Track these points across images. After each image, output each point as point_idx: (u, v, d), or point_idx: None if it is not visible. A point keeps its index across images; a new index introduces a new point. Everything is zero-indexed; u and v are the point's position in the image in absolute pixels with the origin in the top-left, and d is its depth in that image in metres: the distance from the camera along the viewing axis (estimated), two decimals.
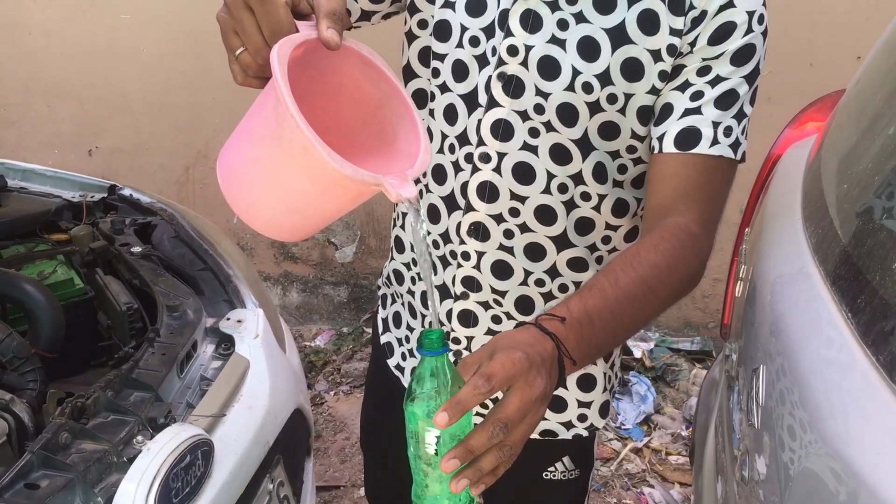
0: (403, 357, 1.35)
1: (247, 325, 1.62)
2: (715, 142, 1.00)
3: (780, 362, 0.78)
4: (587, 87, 1.03)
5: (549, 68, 1.03)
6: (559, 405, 1.24)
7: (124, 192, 2.01)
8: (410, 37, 1.14)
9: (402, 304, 1.32)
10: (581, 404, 1.24)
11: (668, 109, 1.02)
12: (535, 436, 1.22)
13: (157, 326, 1.50)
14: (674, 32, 1.00)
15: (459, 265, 1.18)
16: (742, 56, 1.01)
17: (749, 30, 1.01)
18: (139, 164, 3.25)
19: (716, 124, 1.00)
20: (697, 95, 1.01)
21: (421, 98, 1.16)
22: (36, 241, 1.81)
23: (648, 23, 1.00)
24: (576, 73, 1.02)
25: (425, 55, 1.13)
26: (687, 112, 1.01)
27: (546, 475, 1.28)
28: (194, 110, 3.18)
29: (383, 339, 1.39)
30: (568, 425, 1.25)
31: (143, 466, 1.16)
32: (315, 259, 3.30)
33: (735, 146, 1.01)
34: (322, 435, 2.64)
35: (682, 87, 1.01)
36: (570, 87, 1.03)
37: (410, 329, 1.32)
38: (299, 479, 1.72)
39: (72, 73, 3.21)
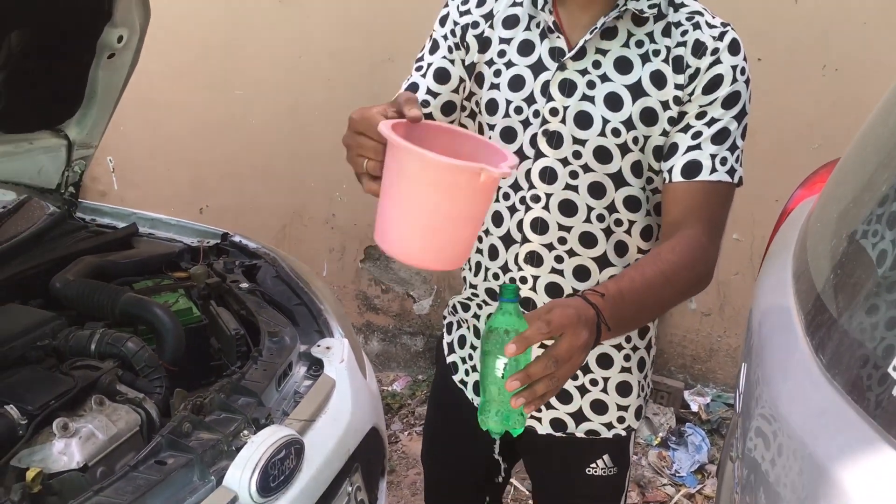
0: (466, 373, 1.57)
1: (334, 351, 1.83)
2: (713, 170, 1.26)
3: (756, 359, 0.98)
4: (616, 133, 1.29)
5: (583, 120, 1.30)
6: (601, 408, 1.45)
7: (234, 239, 2.29)
8: (473, 116, 1.41)
9: (468, 328, 1.55)
10: (619, 408, 1.46)
11: (674, 147, 1.29)
12: (580, 434, 1.45)
13: (260, 348, 1.73)
14: (677, 87, 1.27)
15: (519, 287, 1.40)
16: (730, 101, 1.27)
17: (734, 80, 1.27)
18: (243, 221, 3.59)
19: (713, 156, 1.26)
20: (697, 135, 1.27)
21: None
22: (161, 278, 2.07)
23: (658, 80, 1.28)
24: (605, 121, 1.29)
25: (480, 130, 1.40)
26: (689, 148, 1.27)
27: (588, 471, 1.49)
28: (293, 175, 3.51)
29: (449, 359, 1.61)
30: (609, 426, 1.46)
31: (248, 455, 1.35)
32: (395, 310, 3.56)
33: (731, 172, 1.26)
34: (395, 470, 2.86)
35: (685, 129, 1.28)
36: (602, 133, 1.29)
37: (473, 348, 1.54)
38: (374, 494, 1.91)
39: (189, 141, 3.61)
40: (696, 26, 1.29)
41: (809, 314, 0.96)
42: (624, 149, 1.30)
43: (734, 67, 1.27)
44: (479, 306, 1.51)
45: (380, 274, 3.54)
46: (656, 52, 1.29)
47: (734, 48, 1.28)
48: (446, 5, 1.44)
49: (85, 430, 1.37)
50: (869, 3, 2.66)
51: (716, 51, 1.27)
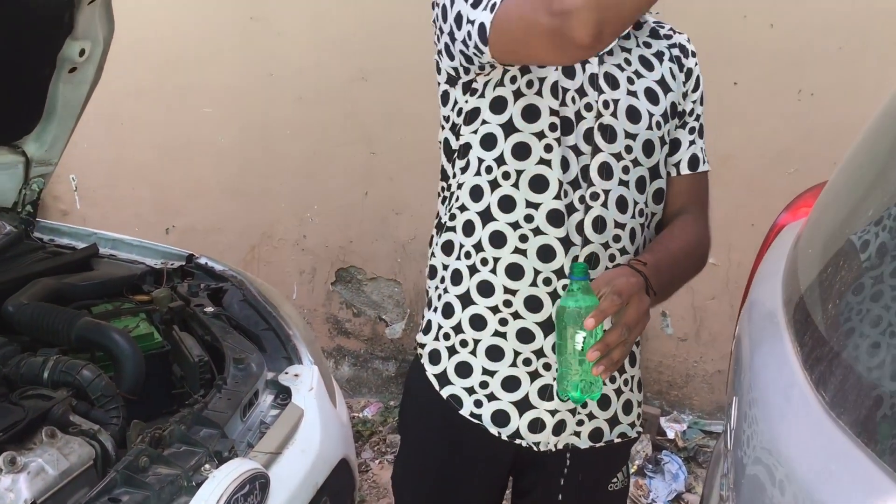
0: (478, 404, 1.37)
1: (303, 379, 1.79)
2: (704, 162, 1.44)
3: (749, 396, 0.93)
4: (658, 125, 1.36)
5: (633, 115, 1.33)
6: (629, 408, 1.41)
7: (200, 261, 2.23)
8: (517, 94, 1.30)
9: (474, 353, 1.36)
10: (638, 404, 1.45)
11: (677, 143, 1.41)
12: (616, 440, 1.42)
13: (224, 376, 1.67)
14: (683, 83, 1.41)
15: None
16: (703, 97, 1.45)
17: (701, 79, 1.45)
18: (210, 242, 3.51)
19: (702, 149, 1.44)
20: (692, 131, 1.42)
21: (524, 151, 1.30)
22: (122, 301, 2.01)
23: (673, 77, 1.39)
24: (650, 115, 1.35)
25: (532, 112, 1.29)
26: (690, 143, 1.41)
27: (610, 487, 1.46)
28: (262, 194, 3.45)
29: (446, 392, 1.40)
30: (633, 425, 1.44)
31: (209, 491, 1.31)
32: (366, 335, 3.49)
33: (707, 162, 1.45)
34: (366, 500, 2.78)
35: (683, 126, 1.41)
36: (650, 127, 1.34)
37: (490, 373, 1.36)
38: None
39: (155, 159, 3.53)
40: (672, 31, 1.44)
41: (807, 347, 0.91)
42: (661, 141, 1.37)
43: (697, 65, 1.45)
44: (507, 319, 1.34)
45: (351, 297, 3.47)
46: (660, 54, 1.39)
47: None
48: None
49: (34, 465, 1.30)
50: (845, 28, 2.67)
51: (694, 53, 1.43)
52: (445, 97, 1.39)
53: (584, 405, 1.36)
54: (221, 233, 3.53)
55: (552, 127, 1.29)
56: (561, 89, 1.29)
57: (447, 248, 1.41)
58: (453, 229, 1.39)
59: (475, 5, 1.18)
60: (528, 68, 1.29)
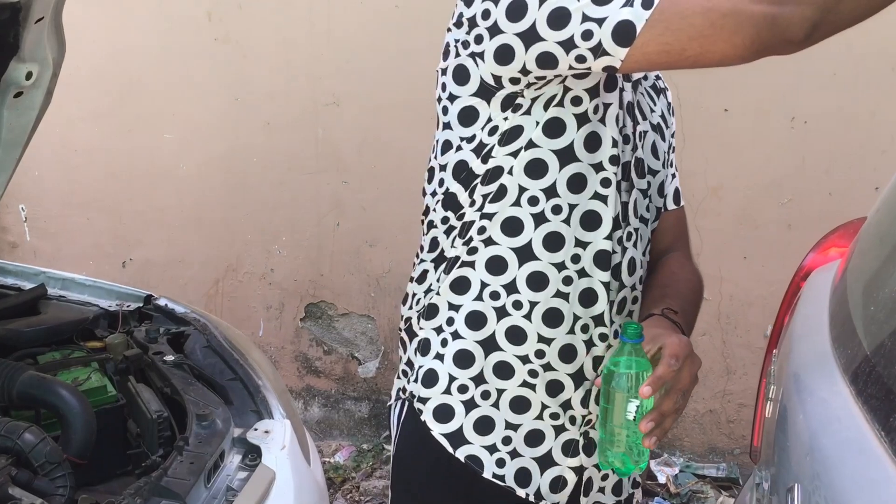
0: (501, 463, 1.23)
1: (274, 436, 1.64)
2: (682, 194, 1.39)
3: (815, 483, 0.79)
4: (669, 163, 1.32)
5: (655, 149, 1.27)
6: None
7: (160, 302, 2.07)
8: (582, 119, 1.15)
9: (497, 405, 1.22)
10: None
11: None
12: (631, 489, 1.34)
13: (186, 435, 1.52)
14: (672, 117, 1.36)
15: (609, 345, 1.21)
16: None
17: None
18: (171, 275, 3.33)
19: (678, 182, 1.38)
20: (671, 164, 1.36)
21: (580, 183, 1.16)
22: (72, 349, 1.87)
23: (670, 112, 1.35)
24: (663, 151, 1.30)
25: (594, 141, 1.16)
26: (672, 177, 1.36)
27: None
28: (227, 225, 3.27)
29: (462, 452, 1.23)
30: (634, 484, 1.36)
31: None
32: (338, 374, 3.32)
33: None
34: None
35: (665, 161, 1.33)
36: (665, 164, 1.30)
37: (514, 427, 1.22)
38: None
39: (112, 187, 3.34)
40: None
41: (882, 413, 0.76)
42: (668, 180, 1.33)
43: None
44: (538, 371, 1.20)
45: (322, 333, 3.29)
46: (655, 87, 1.33)
47: None
48: None
49: None
50: (837, 55, 2.59)
51: (667, 88, 1.38)
52: (469, 115, 1.17)
53: None
54: (183, 266, 3.34)
55: (613, 160, 1.16)
56: (619, 119, 1.17)
57: (460, 286, 1.22)
58: (471, 265, 1.20)
59: (600, 2, 1.02)
60: (598, 91, 1.14)
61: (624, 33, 1.01)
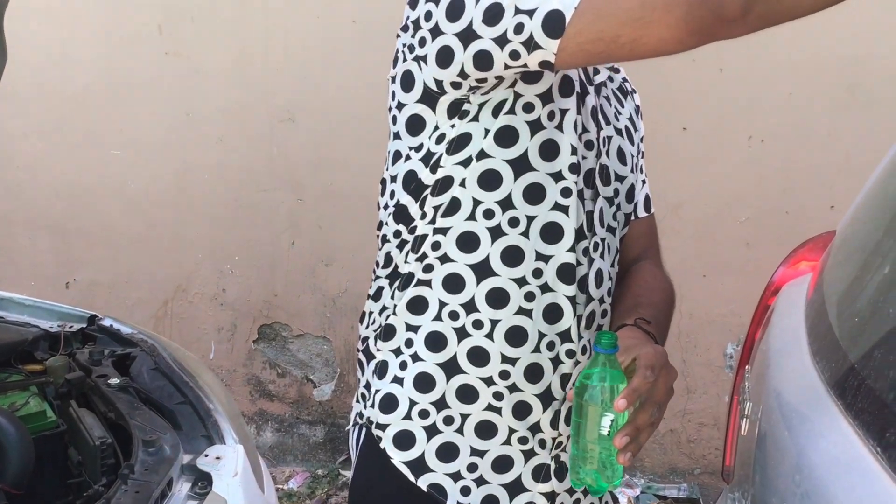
0: (466, 491, 1.17)
1: (225, 462, 1.56)
2: (652, 201, 1.35)
3: (806, 502, 0.75)
4: (637, 168, 1.27)
5: (622, 155, 1.22)
6: None
7: (104, 323, 1.98)
8: (536, 126, 1.10)
9: (461, 431, 1.16)
10: None
11: (634, 184, 1.29)
12: None
13: (131, 462, 1.44)
14: (640, 122, 1.32)
15: (577, 362, 1.16)
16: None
17: None
18: (117, 297, 3.21)
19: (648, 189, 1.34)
20: (641, 170, 1.33)
21: (538, 194, 1.11)
22: (9, 372, 1.76)
23: (636, 113, 1.31)
24: (631, 156, 1.25)
25: (551, 149, 1.11)
26: (642, 184, 1.33)
27: None
28: (176, 244, 3.17)
29: (424, 481, 1.17)
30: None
31: None
32: (292, 397, 3.22)
33: None
34: None
35: (634, 167, 1.29)
36: (633, 169, 1.25)
37: (480, 454, 1.16)
38: None
39: (56, 205, 3.22)
40: (617, 65, 1.32)
41: (876, 428, 0.73)
42: (639, 186, 1.29)
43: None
44: (503, 393, 1.15)
45: (275, 356, 3.20)
46: (622, 89, 1.30)
47: None
48: None
49: None
50: (794, 74, 2.61)
51: (635, 90, 1.35)
52: (416, 123, 1.13)
53: None
54: (130, 287, 3.22)
55: (573, 168, 1.11)
56: (577, 125, 1.11)
57: (417, 305, 1.16)
58: (428, 284, 1.14)
59: None
60: (551, 96, 1.09)
61: (554, 23, 0.96)
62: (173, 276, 3.21)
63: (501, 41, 1.00)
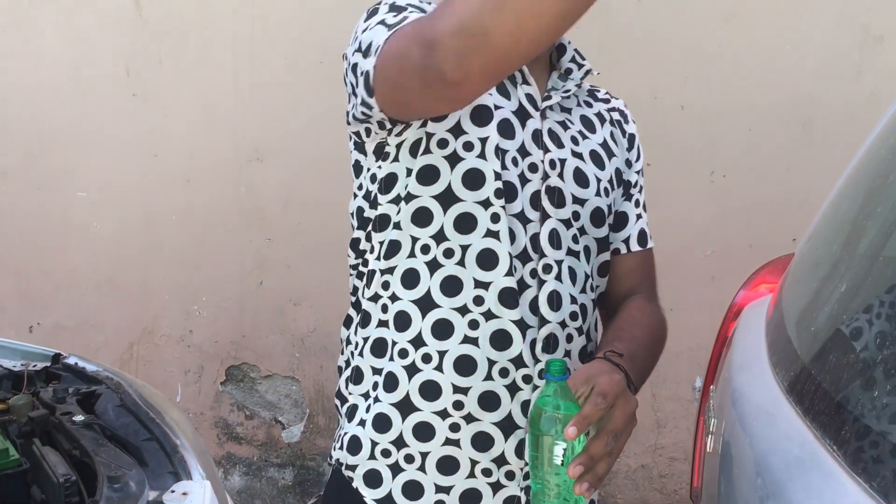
0: None
1: (192, 498, 1.52)
2: (650, 236, 1.34)
3: (769, 501, 0.76)
4: (606, 192, 1.24)
5: (580, 178, 1.21)
6: None
7: (69, 361, 1.95)
8: (454, 159, 1.13)
9: (423, 468, 1.17)
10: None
11: (625, 217, 1.30)
12: None
13: (95, 499, 1.41)
14: (626, 150, 1.31)
15: (536, 387, 1.14)
16: (642, 166, 1.35)
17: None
18: (81, 340, 3.16)
19: (647, 223, 1.35)
20: (637, 203, 1.32)
21: (468, 223, 1.13)
22: None
23: (615, 141, 1.29)
24: (597, 179, 1.23)
25: (475, 178, 1.13)
26: (637, 217, 1.31)
27: None
28: (143, 286, 3.14)
29: None
30: None
31: None
32: (260, 439, 3.18)
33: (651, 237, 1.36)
34: None
35: (629, 198, 1.30)
36: (598, 193, 1.23)
37: (446, 490, 1.17)
38: None
39: (20, 247, 3.18)
40: (608, 95, 1.35)
41: (830, 425, 0.74)
42: (609, 210, 1.26)
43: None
44: (459, 424, 1.15)
45: (243, 397, 3.16)
46: (601, 116, 1.30)
47: None
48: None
49: None
50: (753, 110, 2.69)
51: (632, 120, 1.34)
52: (357, 167, 1.23)
53: None
54: (95, 330, 3.18)
55: (498, 193, 1.12)
56: (500, 150, 1.13)
57: (378, 347, 1.19)
58: (385, 324, 1.17)
59: (366, 53, 1.03)
60: (462, 129, 1.12)
61: (367, 83, 1.03)
62: (139, 318, 3.17)
63: (360, 99, 1.08)
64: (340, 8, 2.82)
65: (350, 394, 1.24)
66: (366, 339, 1.20)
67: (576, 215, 1.19)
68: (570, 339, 1.19)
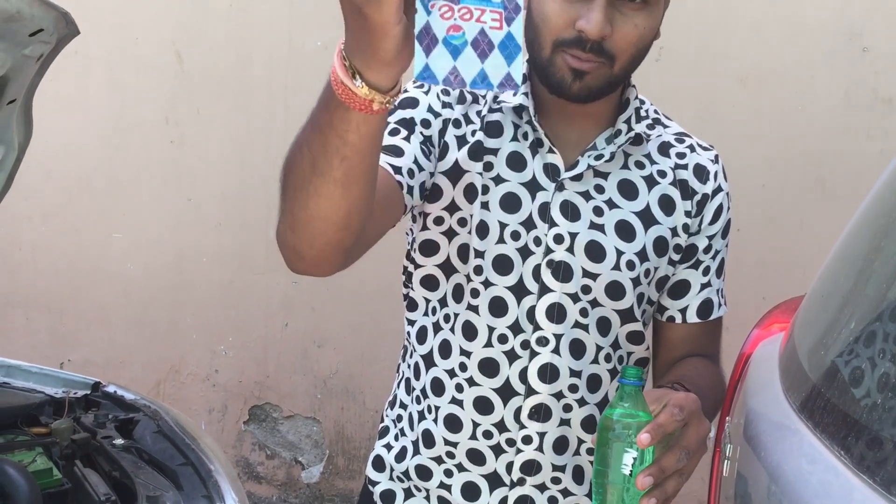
0: None
1: None
2: (720, 306, 1.28)
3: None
4: (630, 265, 1.17)
5: (595, 251, 1.16)
6: None
7: (108, 389, 2.03)
8: (450, 234, 1.18)
9: (427, 499, 1.26)
10: None
11: (685, 285, 1.24)
12: None
13: None
14: (686, 213, 1.20)
15: (519, 451, 1.19)
16: (726, 230, 1.26)
17: (728, 207, 1.26)
18: (110, 377, 3.17)
19: (718, 291, 1.27)
20: (706, 271, 1.24)
21: (459, 294, 1.19)
22: (16, 433, 1.79)
23: (667, 205, 1.20)
24: (619, 253, 1.17)
25: (464, 252, 1.18)
26: (702, 286, 1.24)
27: None
28: (172, 325, 3.23)
29: None
30: None
31: None
32: (280, 479, 3.22)
33: (725, 301, 1.30)
34: None
35: (696, 265, 1.23)
36: (617, 267, 1.17)
37: None
38: None
39: (55, 286, 3.29)
40: (691, 148, 1.24)
41: (838, 434, 0.82)
42: (636, 282, 1.18)
43: (728, 194, 1.26)
44: (452, 471, 1.23)
45: (265, 437, 3.22)
46: (662, 174, 1.21)
47: (726, 173, 1.26)
48: (407, 91, 1.19)
49: None
50: (767, 167, 2.77)
51: (716, 175, 1.23)
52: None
53: None
54: (123, 367, 3.26)
55: (477, 270, 1.17)
56: (498, 224, 1.16)
57: (406, 387, 1.29)
58: (409, 368, 1.29)
59: None
60: (457, 205, 1.17)
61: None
62: (167, 357, 3.25)
63: None
64: None
65: (387, 416, 1.34)
66: (401, 374, 1.31)
67: (586, 289, 1.16)
68: (568, 408, 1.19)
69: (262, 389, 3.20)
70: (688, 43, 2.77)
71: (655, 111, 1.29)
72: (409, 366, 1.28)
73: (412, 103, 1.17)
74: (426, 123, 1.16)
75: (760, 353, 1.32)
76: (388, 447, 1.29)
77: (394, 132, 1.14)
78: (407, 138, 1.14)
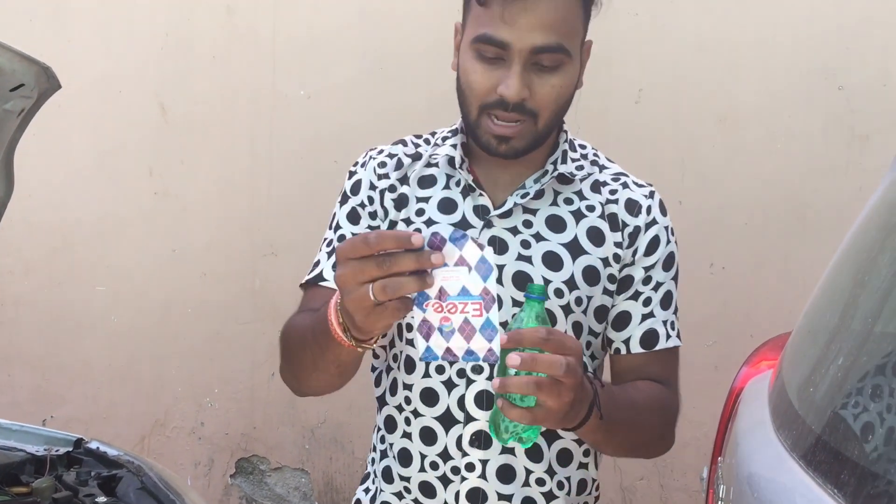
0: None
1: None
2: (668, 336, 1.26)
3: None
4: (559, 293, 1.20)
5: (522, 281, 1.19)
6: None
7: (91, 446, 2.00)
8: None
9: None
10: None
11: (626, 317, 1.24)
12: None
13: None
14: (616, 244, 1.23)
15: (464, 478, 1.21)
16: (668, 262, 1.27)
17: (668, 240, 1.27)
18: (94, 433, 3.13)
19: (664, 322, 1.25)
20: (647, 301, 1.24)
21: (399, 327, 1.24)
22: None
23: (595, 237, 1.23)
24: (546, 282, 1.20)
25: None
26: (644, 317, 1.24)
27: None
28: (157, 378, 3.19)
29: None
30: None
31: None
32: None
33: (678, 335, 1.28)
34: None
35: (635, 297, 1.24)
36: (555, 294, 1.20)
37: None
38: None
39: (37, 342, 3.25)
40: (625, 185, 1.29)
41: (831, 473, 0.80)
42: (567, 310, 1.21)
43: (667, 228, 1.28)
44: None
45: (252, 490, 3.16)
46: (590, 208, 1.25)
47: (663, 208, 1.30)
48: (352, 174, 1.32)
49: None
50: (748, 204, 2.79)
51: (650, 209, 1.27)
52: None
53: None
54: (107, 422, 3.21)
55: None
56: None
57: (377, 431, 1.35)
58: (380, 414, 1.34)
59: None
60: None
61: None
62: (152, 411, 3.21)
63: None
64: (353, 114, 2.99)
65: (368, 462, 1.37)
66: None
67: (517, 318, 1.15)
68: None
69: (249, 441, 3.15)
70: (666, 85, 2.81)
71: (596, 154, 1.34)
72: (378, 410, 1.33)
73: (356, 188, 1.31)
74: (370, 200, 1.29)
75: (750, 390, 1.31)
76: (367, 490, 1.33)
77: (352, 219, 1.31)
78: (359, 224, 1.30)
